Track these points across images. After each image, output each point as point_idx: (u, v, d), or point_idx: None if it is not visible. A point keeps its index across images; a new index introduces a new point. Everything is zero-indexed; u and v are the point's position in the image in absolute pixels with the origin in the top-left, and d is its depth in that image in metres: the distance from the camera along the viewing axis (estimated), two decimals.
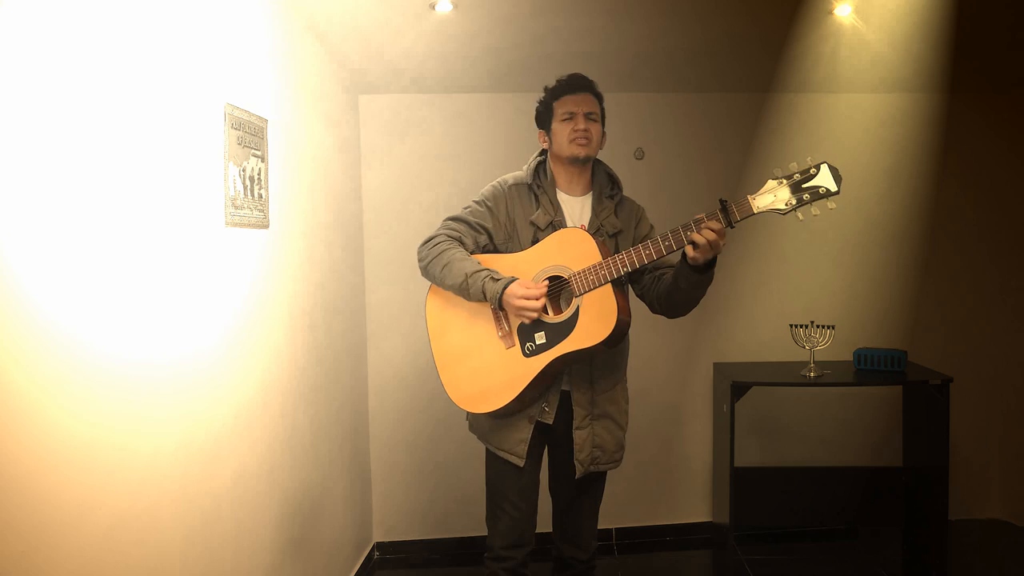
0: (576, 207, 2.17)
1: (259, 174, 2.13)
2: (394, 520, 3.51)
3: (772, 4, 2.59)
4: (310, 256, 2.64)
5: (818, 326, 3.28)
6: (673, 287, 2.01)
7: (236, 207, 1.98)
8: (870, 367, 3.30)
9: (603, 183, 2.20)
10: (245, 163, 2.03)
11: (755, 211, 1.85)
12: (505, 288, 1.97)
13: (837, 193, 1.83)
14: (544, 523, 2.30)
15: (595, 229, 2.12)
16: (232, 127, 1.95)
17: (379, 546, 3.50)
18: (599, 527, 2.25)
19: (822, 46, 2.93)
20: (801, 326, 3.32)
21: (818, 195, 1.83)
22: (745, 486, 3.38)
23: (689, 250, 1.85)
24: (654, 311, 2.15)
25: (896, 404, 3.58)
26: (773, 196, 1.85)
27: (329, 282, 2.85)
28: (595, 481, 2.22)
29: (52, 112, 1.29)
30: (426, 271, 2.14)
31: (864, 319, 3.54)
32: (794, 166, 1.85)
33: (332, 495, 2.84)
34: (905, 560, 3.38)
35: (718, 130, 3.53)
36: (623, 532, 3.61)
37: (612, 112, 3.50)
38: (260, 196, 2.14)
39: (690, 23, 2.75)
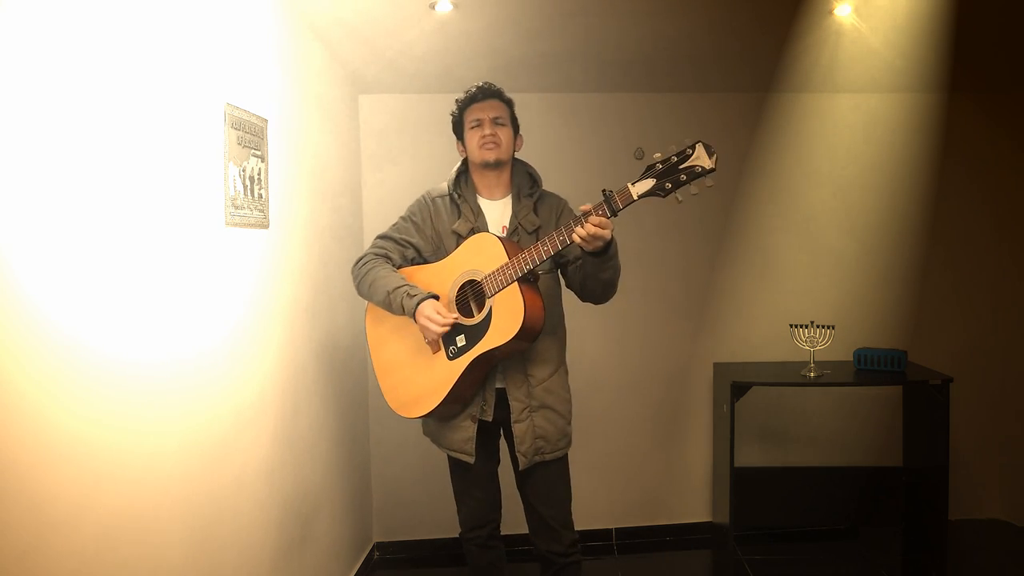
0: (497, 210, 2.27)
1: (259, 174, 2.13)
2: (394, 520, 3.51)
3: (772, 4, 2.59)
4: (310, 256, 2.64)
5: (818, 326, 3.28)
6: (584, 274, 2.11)
7: (236, 207, 1.98)
8: (870, 367, 3.30)
9: (522, 183, 2.29)
10: (245, 163, 2.03)
11: (635, 197, 1.91)
12: (419, 303, 2.10)
13: (713, 171, 1.86)
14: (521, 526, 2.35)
15: (514, 228, 2.22)
16: (232, 127, 1.95)
17: (379, 546, 3.50)
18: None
19: (822, 46, 2.93)
20: (801, 326, 3.31)
21: (694, 174, 1.86)
22: (745, 486, 3.38)
23: (576, 239, 1.94)
24: (583, 300, 2.23)
25: (896, 404, 3.58)
26: (653, 181, 1.90)
27: (329, 282, 2.85)
28: (548, 471, 2.25)
29: (52, 112, 1.29)
30: (358, 289, 2.28)
31: (864, 319, 3.54)
32: (672, 148, 1.90)
33: (332, 495, 2.84)
34: (905, 560, 3.38)
35: (718, 130, 3.53)
36: (623, 532, 3.60)
37: (612, 112, 3.53)
38: (260, 196, 2.14)
39: (690, 23, 2.75)
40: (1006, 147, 3.61)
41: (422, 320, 2.09)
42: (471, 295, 2.15)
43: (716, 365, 3.56)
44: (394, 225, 2.32)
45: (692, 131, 3.55)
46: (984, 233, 3.65)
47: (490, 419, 2.21)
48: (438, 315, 2.08)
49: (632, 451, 3.60)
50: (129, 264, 1.51)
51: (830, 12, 2.64)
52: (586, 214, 1.94)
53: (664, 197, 1.90)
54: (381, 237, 2.31)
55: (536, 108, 3.38)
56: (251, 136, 2.07)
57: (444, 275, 2.20)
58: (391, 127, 3.43)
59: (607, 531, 3.58)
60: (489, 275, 2.08)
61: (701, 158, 1.86)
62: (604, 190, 1.94)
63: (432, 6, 2.51)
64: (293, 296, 2.46)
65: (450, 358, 2.14)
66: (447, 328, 2.09)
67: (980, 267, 3.66)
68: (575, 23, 2.73)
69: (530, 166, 2.33)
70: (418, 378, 2.20)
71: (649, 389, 3.61)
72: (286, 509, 2.33)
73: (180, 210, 1.71)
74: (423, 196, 2.33)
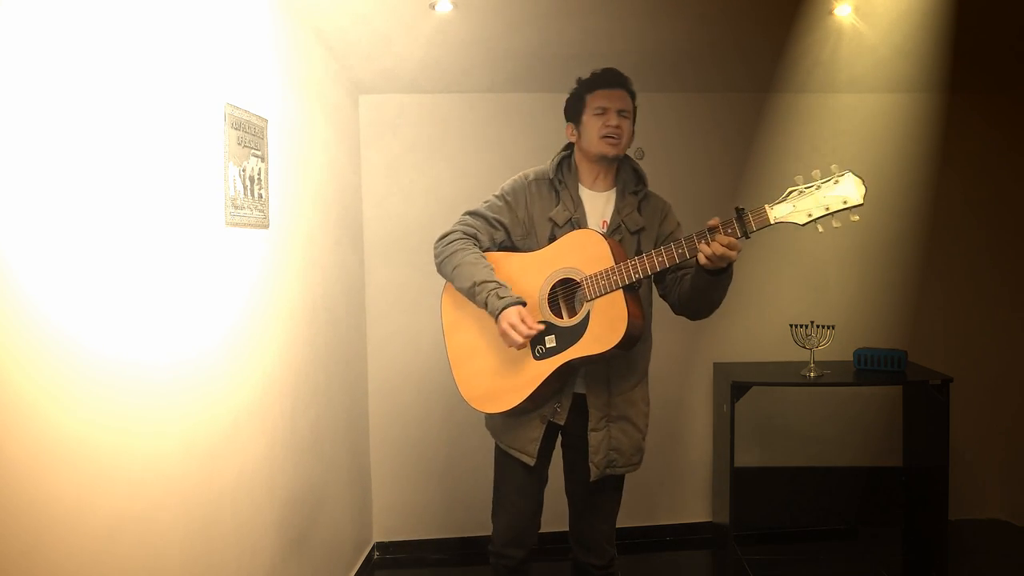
0: (599, 203, 2.12)
1: (259, 174, 2.13)
2: (394, 520, 3.51)
3: (773, 4, 2.59)
4: (310, 256, 2.64)
5: (818, 326, 3.28)
6: (692, 289, 1.98)
7: (236, 207, 1.98)
8: (870, 367, 3.30)
9: (628, 179, 2.15)
10: (245, 163, 2.03)
11: (772, 222, 1.79)
12: (503, 310, 1.95)
13: (860, 205, 1.73)
14: (562, 523, 2.30)
15: (616, 226, 2.08)
16: (232, 127, 1.95)
17: (379, 546, 3.50)
18: None
19: (822, 46, 2.93)
20: (801, 326, 3.31)
21: (840, 207, 1.75)
22: (745, 486, 3.38)
23: (701, 258, 1.82)
24: (676, 312, 2.13)
25: (896, 404, 3.58)
26: (792, 207, 1.78)
27: (329, 282, 2.85)
28: (611, 485, 2.17)
29: (53, 112, 1.29)
30: (440, 268, 2.11)
31: (864, 319, 3.54)
32: (816, 174, 1.77)
33: (332, 495, 2.84)
34: (905, 560, 3.38)
35: (719, 130, 3.53)
36: (623, 532, 3.58)
37: None
38: (260, 196, 2.14)
39: (690, 23, 2.75)
40: (1006, 147, 3.61)
41: (504, 325, 1.94)
42: (562, 294, 2.02)
43: (716, 365, 3.56)
44: (486, 202, 2.15)
45: (693, 131, 3.57)
46: (984, 233, 3.65)
47: (562, 422, 2.09)
48: (523, 324, 1.93)
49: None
50: (129, 264, 1.51)
51: (830, 12, 2.64)
52: (713, 229, 1.80)
53: (803, 226, 1.77)
54: (471, 214, 2.14)
55: (536, 108, 3.38)
56: (251, 136, 2.07)
57: (536, 268, 2.04)
58: (391, 127, 3.43)
59: None
60: (591, 277, 1.94)
61: (849, 190, 1.74)
62: (737, 207, 1.80)
63: (432, 6, 2.51)
64: (293, 296, 2.45)
65: (536, 358, 2.00)
66: (528, 340, 1.95)
67: (980, 267, 3.66)
68: (575, 23, 2.73)
69: (636, 162, 2.19)
70: (498, 372, 2.05)
71: (649, 389, 3.60)
72: (286, 509, 2.33)
73: (180, 210, 1.71)
74: (520, 176, 2.16)
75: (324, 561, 2.72)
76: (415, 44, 2.85)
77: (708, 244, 1.80)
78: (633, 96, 2.15)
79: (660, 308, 2.17)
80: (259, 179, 2.13)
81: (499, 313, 1.95)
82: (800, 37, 2.83)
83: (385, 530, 3.51)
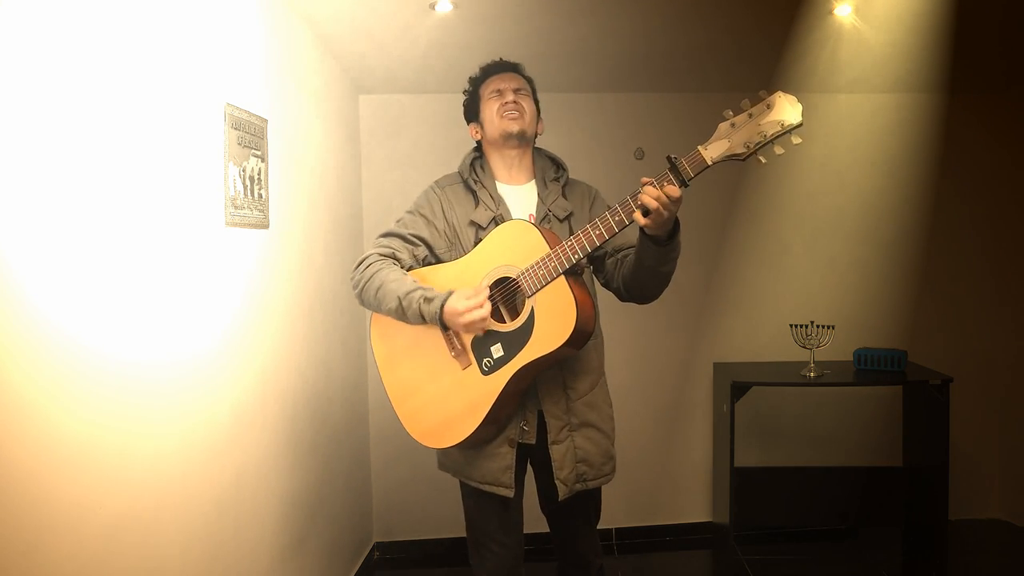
0: (520, 197, 1.97)
1: (259, 174, 2.13)
2: (394, 520, 3.51)
3: (772, 4, 2.59)
4: (310, 256, 2.64)
5: (818, 326, 3.28)
6: (638, 267, 1.80)
7: (236, 207, 1.98)
8: (870, 367, 3.30)
9: (546, 166, 2.02)
10: (245, 163, 2.03)
11: (709, 162, 1.63)
12: (442, 306, 1.75)
13: (800, 125, 1.58)
14: (544, 523, 2.24)
15: (543, 215, 1.93)
16: (232, 127, 1.95)
17: (379, 546, 3.50)
18: (600, 527, 2.20)
19: (822, 46, 2.93)
20: (801, 326, 3.32)
21: (779, 131, 1.59)
22: (745, 486, 3.38)
23: (640, 218, 1.65)
24: (623, 299, 1.94)
25: (896, 404, 3.58)
26: (728, 141, 1.63)
27: (329, 282, 2.85)
28: (587, 499, 1.99)
29: (53, 113, 1.29)
30: (361, 298, 1.89)
31: (864, 319, 3.54)
32: (746, 103, 1.62)
33: (332, 495, 2.84)
34: (905, 560, 3.38)
35: None
36: (623, 532, 3.60)
37: (612, 112, 3.52)
38: (260, 196, 2.14)
39: (690, 23, 2.75)
40: (1006, 147, 3.62)
41: (460, 318, 1.73)
42: (500, 298, 1.82)
43: (716, 365, 3.56)
44: (399, 220, 1.98)
45: (692, 131, 3.56)
46: (984, 233, 3.65)
47: (533, 441, 1.87)
48: (471, 301, 1.73)
49: (632, 451, 3.60)
50: (129, 264, 1.51)
51: (830, 12, 2.63)
52: (645, 185, 1.65)
53: (744, 160, 1.62)
54: (385, 235, 1.95)
55: None
56: (251, 136, 2.07)
57: (468, 274, 1.84)
58: (391, 127, 3.43)
59: (607, 531, 3.58)
60: (527, 270, 1.75)
61: (785, 112, 1.57)
62: (669, 156, 1.64)
63: (432, 6, 2.51)
64: (293, 296, 2.45)
65: (485, 372, 1.79)
66: (489, 308, 1.74)
67: (980, 267, 3.66)
68: (575, 23, 2.73)
69: (552, 153, 2.07)
70: (446, 400, 1.84)
71: (649, 389, 3.61)
72: (286, 509, 2.33)
73: (180, 210, 1.71)
74: (431, 187, 2.01)
75: (324, 561, 2.72)
76: (415, 44, 2.85)
77: (647, 196, 1.63)
78: (530, 81, 2.05)
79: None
80: (259, 179, 2.13)
81: (440, 314, 1.75)
82: (800, 37, 2.83)
83: (385, 530, 3.51)
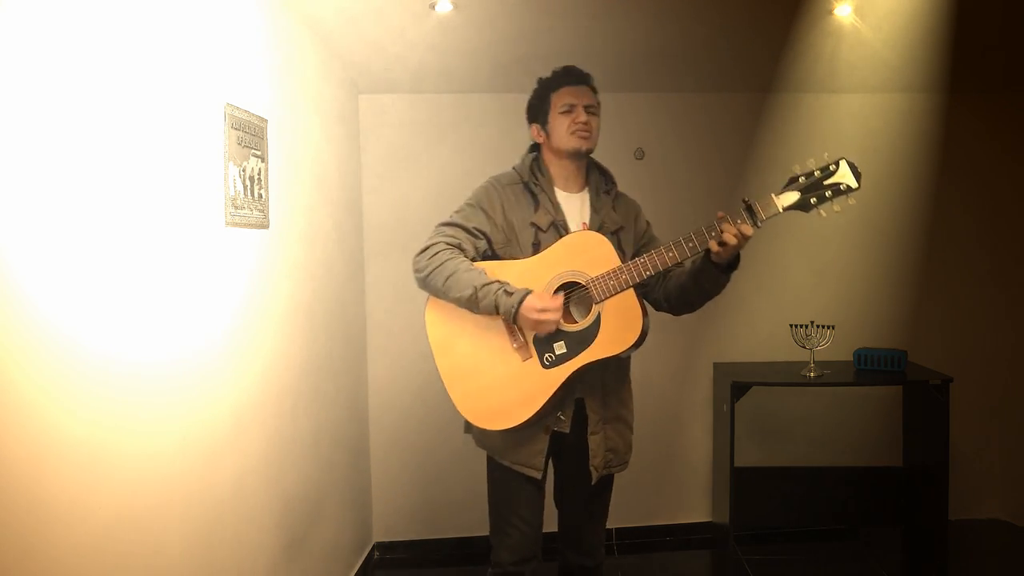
0: (575, 205, 2.09)
1: (259, 174, 2.13)
2: (394, 520, 3.51)
3: (772, 4, 2.59)
4: (310, 256, 2.64)
5: (818, 326, 3.28)
6: (691, 285, 1.99)
7: (236, 207, 1.98)
8: (870, 367, 3.30)
9: (598, 179, 2.14)
10: (245, 163, 2.03)
11: (780, 210, 1.87)
12: (521, 302, 1.87)
13: (858, 188, 1.85)
14: (550, 524, 2.27)
15: (597, 226, 2.05)
16: (232, 127, 1.95)
17: (379, 546, 3.50)
18: None
19: (822, 46, 2.93)
20: (801, 326, 3.32)
21: (839, 191, 1.85)
22: (745, 486, 3.38)
23: (715, 247, 1.85)
24: (659, 309, 2.13)
25: (896, 404, 3.58)
26: (797, 194, 1.88)
27: (329, 282, 2.85)
28: (606, 485, 2.19)
29: (53, 113, 1.29)
30: (426, 283, 1.99)
31: (864, 319, 3.54)
32: (812, 163, 1.87)
33: (332, 495, 2.84)
34: (905, 560, 3.38)
35: (718, 130, 3.53)
36: (623, 532, 3.60)
37: (612, 112, 3.51)
38: (260, 196, 2.14)
39: (690, 23, 2.75)
40: (1005, 147, 3.62)
41: (534, 315, 1.86)
42: (575, 297, 1.97)
43: (716, 365, 3.56)
44: (459, 212, 2.05)
45: (692, 131, 3.57)
46: (984, 233, 3.65)
47: (568, 431, 2.02)
48: (548, 303, 1.87)
49: (632, 451, 3.60)
50: (129, 264, 1.51)
51: (830, 12, 2.63)
52: (720, 221, 1.85)
53: (808, 212, 1.88)
54: (448, 224, 2.03)
55: None
56: (251, 136, 2.07)
57: (534, 273, 1.96)
58: (391, 127, 3.43)
59: (607, 531, 3.57)
60: (597, 278, 1.90)
61: (846, 176, 1.85)
62: (744, 199, 1.86)
63: (432, 6, 2.51)
64: (293, 296, 2.46)
65: (545, 366, 1.93)
66: (560, 313, 1.89)
67: (980, 267, 3.66)
68: (575, 23, 2.73)
69: (601, 164, 2.17)
70: (503, 387, 1.96)
71: (649, 389, 3.60)
72: (286, 509, 2.33)
73: (180, 210, 1.71)
74: (491, 182, 2.09)
75: (324, 561, 2.72)
76: (415, 44, 2.85)
77: (718, 237, 1.84)
78: (596, 92, 2.12)
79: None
80: (259, 179, 2.13)
81: (517, 308, 1.87)
82: (800, 37, 2.83)
83: (385, 530, 3.51)
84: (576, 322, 1.96)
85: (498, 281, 1.91)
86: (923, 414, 3.38)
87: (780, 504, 3.55)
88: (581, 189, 2.12)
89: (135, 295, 1.53)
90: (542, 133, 2.11)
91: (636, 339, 1.91)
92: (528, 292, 1.90)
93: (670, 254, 1.88)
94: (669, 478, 3.64)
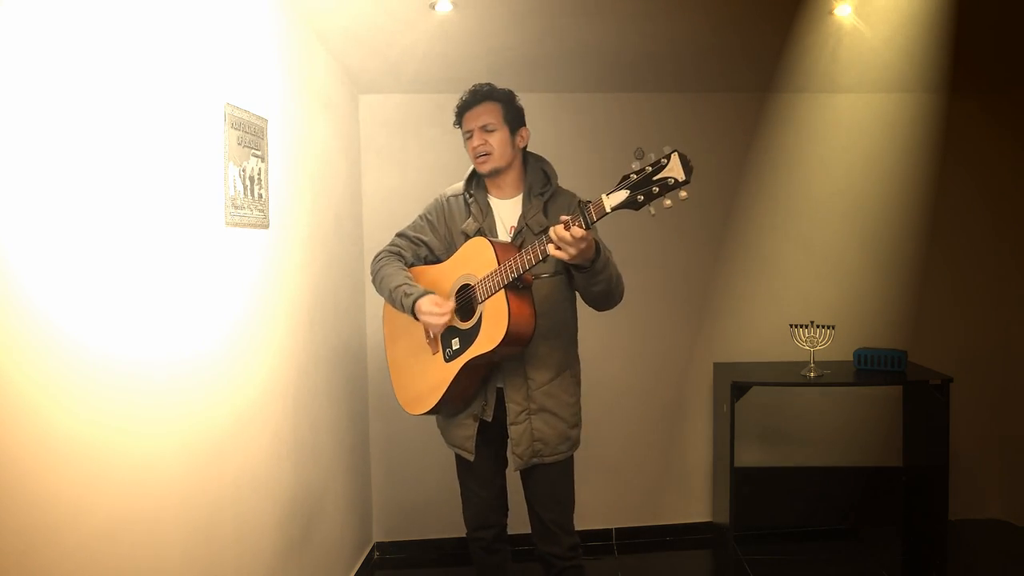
0: (506, 209, 2.24)
1: (259, 174, 2.13)
2: (394, 520, 3.51)
3: (772, 4, 2.59)
4: (310, 256, 2.64)
5: (818, 326, 3.28)
6: (577, 285, 2.12)
7: (236, 207, 1.98)
8: (870, 367, 3.30)
9: (534, 181, 2.24)
10: (245, 163, 2.03)
11: (608, 210, 1.81)
12: (415, 302, 2.12)
13: (687, 182, 1.73)
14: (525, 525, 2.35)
15: (520, 229, 2.18)
16: (232, 127, 1.95)
17: (379, 546, 3.50)
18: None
19: (822, 46, 2.93)
20: (801, 326, 3.32)
21: (667, 186, 1.74)
22: (745, 486, 3.38)
23: (553, 251, 1.87)
24: (587, 305, 2.21)
25: (896, 404, 3.58)
26: (627, 192, 1.78)
27: (329, 282, 2.85)
28: (548, 473, 2.23)
29: (53, 113, 1.29)
30: (374, 284, 2.31)
31: (864, 319, 3.54)
32: (650, 157, 1.78)
33: (332, 495, 2.84)
34: (905, 560, 3.38)
35: (718, 130, 3.53)
36: (623, 532, 3.61)
37: (612, 112, 3.52)
38: (260, 196, 2.14)
39: (690, 23, 2.75)
40: (1006, 147, 3.62)
41: (422, 317, 2.12)
42: (463, 299, 2.15)
43: (716, 365, 3.57)
44: (411, 223, 2.36)
45: (692, 131, 3.57)
46: (984, 233, 3.65)
47: (490, 419, 2.20)
48: (436, 307, 2.10)
49: (632, 451, 3.60)
50: (129, 264, 1.51)
51: (830, 12, 2.63)
52: (566, 225, 1.85)
53: (637, 210, 1.80)
54: (398, 235, 2.35)
55: (536, 108, 3.36)
56: (251, 136, 2.07)
57: (444, 277, 2.22)
58: (391, 127, 3.43)
59: (607, 531, 3.58)
60: (480, 280, 2.08)
61: (675, 169, 1.73)
62: (580, 201, 1.90)
63: (432, 6, 2.51)
64: (293, 296, 2.46)
65: (446, 360, 2.16)
66: (447, 317, 2.10)
67: (980, 267, 3.66)
68: (575, 23, 2.73)
69: (546, 162, 2.28)
70: (420, 376, 2.24)
71: (649, 389, 3.61)
72: (286, 509, 2.33)
73: (180, 210, 1.71)
74: (439, 195, 2.34)
75: (324, 561, 2.72)
76: (415, 44, 2.85)
77: (552, 240, 1.86)
78: (503, 100, 2.21)
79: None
80: (259, 179, 2.13)
81: (413, 306, 2.12)
82: (800, 37, 2.83)
83: (385, 530, 3.51)
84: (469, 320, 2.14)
85: (407, 284, 2.18)
86: (923, 414, 3.38)
87: (780, 504, 3.55)
88: (516, 194, 2.25)
89: (135, 295, 1.53)
90: None
91: (501, 338, 1.99)
92: (423, 294, 2.13)
93: (526, 257, 1.95)
94: (669, 478, 3.64)
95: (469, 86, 2.28)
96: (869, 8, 2.63)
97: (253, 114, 2.09)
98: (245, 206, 2.03)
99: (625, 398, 3.59)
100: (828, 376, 3.23)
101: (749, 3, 2.60)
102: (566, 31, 2.79)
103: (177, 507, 1.67)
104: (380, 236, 3.41)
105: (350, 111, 3.25)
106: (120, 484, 1.47)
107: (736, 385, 3.20)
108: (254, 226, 2.11)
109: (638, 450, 3.61)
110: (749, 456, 3.57)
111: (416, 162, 3.44)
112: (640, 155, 3.50)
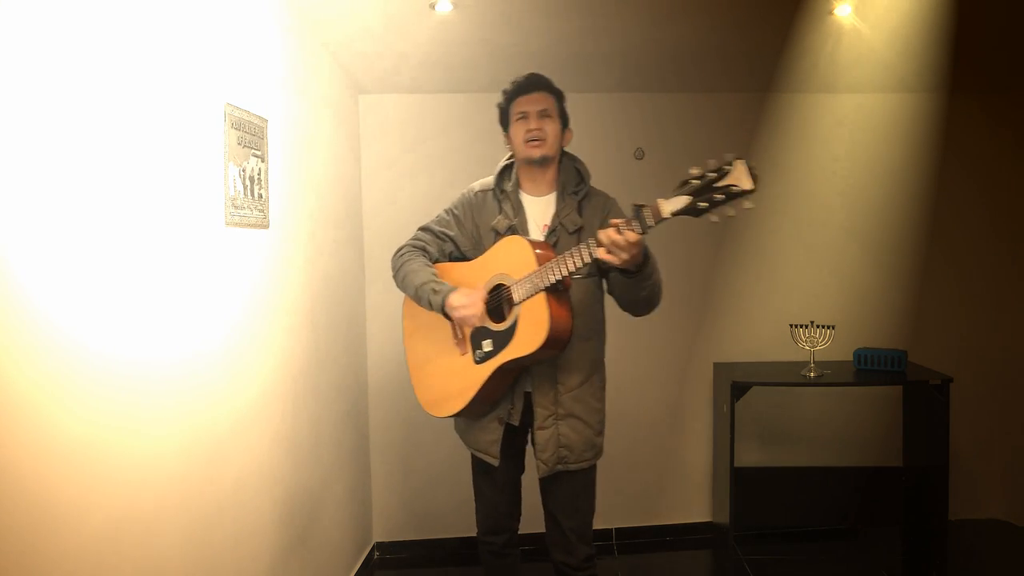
0: (539, 207, 2.16)
1: (259, 174, 2.13)
2: (394, 520, 3.51)
3: (772, 4, 2.59)
4: (310, 256, 2.64)
5: (818, 326, 3.28)
6: (616, 290, 2.06)
7: (236, 207, 1.98)
8: (870, 367, 3.30)
9: (568, 179, 2.17)
10: (245, 163, 2.03)
11: (666, 215, 1.73)
12: (445, 299, 2.02)
13: (752, 191, 1.67)
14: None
15: (554, 228, 2.10)
16: (232, 127, 1.95)
17: (379, 546, 3.50)
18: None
19: (822, 46, 2.93)
20: (801, 326, 3.32)
21: (731, 194, 1.68)
22: (745, 486, 3.38)
23: (603, 254, 1.80)
24: (622, 309, 2.14)
25: (896, 404, 3.58)
26: (688, 198, 1.72)
27: (329, 282, 2.85)
28: (571, 481, 2.16)
29: (53, 112, 1.29)
30: (395, 280, 2.20)
31: (864, 319, 3.55)
32: (712, 163, 1.72)
33: (332, 495, 2.84)
34: (905, 560, 3.38)
35: (718, 130, 3.53)
36: (623, 532, 3.61)
37: (612, 112, 3.52)
38: (260, 196, 2.14)
39: (690, 23, 2.75)
40: (1006, 147, 3.62)
41: (456, 312, 2.01)
42: (503, 299, 2.05)
43: (716, 365, 3.57)
44: (436, 217, 2.25)
45: (692, 131, 3.57)
46: (984, 233, 3.65)
47: (516, 423, 2.13)
48: (466, 298, 2.00)
49: (632, 451, 3.60)
50: (129, 264, 1.51)
51: (830, 12, 2.63)
52: (617, 228, 1.79)
53: (697, 217, 1.72)
54: (421, 229, 2.24)
55: None
56: (251, 136, 2.07)
57: (476, 275, 2.10)
58: (392, 127, 3.43)
59: (607, 531, 3.58)
60: (517, 282, 1.98)
61: (740, 177, 1.67)
62: (635, 204, 1.77)
63: (432, 6, 2.51)
64: (293, 296, 2.46)
65: (477, 362, 2.07)
66: (480, 307, 1.99)
67: (980, 267, 3.66)
68: (575, 23, 2.73)
69: (579, 161, 2.21)
70: (446, 378, 2.14)
71: (649, 389, 3.61)
72: (286, 509, 2.33)
73: (180, 210, 1.71)
74: (467, 189, 2.24)
75: (324, 561, 2.72)
76: (415, 44, 2.85)
77: (602, 241, 1.79)
78: (558, 95, 2.17)
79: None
80: (259, 179, 2.13)
81: (442, 305, 2.02)
82: (800, 37, 2.83)
83: (385, 530, 3.51)
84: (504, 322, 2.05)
85: (434, 281, 2.08)
86: (923, 414, 3.38)
87: (780, 504, 3.55)
88: (549, 191, 2.17)
89: (135, 295, 1.53)
90: (508, 141, 2.20)
91: (542, 342, 1.91)
92: (452, 290, 2.03)
93: (571, 260, 1.87)
94: (669, 478, 3.64)
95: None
96: (869, 8, 2.63)
97: (253, 114, 2.09)
98: (245, 206, 2.03)
99: (625, 398, 3.59)
100: (828, 376, 3.23)
101: (749, 4, 2.60)
102: (566, 31, 2.79)
103: (177, 507, 1.67)
104: (380, 236, 3.42)
105: (350, 111, 3.25)
106: (120, 484, 1.47)
107: (736, 385, 3.20)
108: (254, 226, 2.11)
109: (638, 450, 3.61)
110: (749, 456, 3.57)
111: (416, 162, 3.44)
112: (640, 155, 3.54)
